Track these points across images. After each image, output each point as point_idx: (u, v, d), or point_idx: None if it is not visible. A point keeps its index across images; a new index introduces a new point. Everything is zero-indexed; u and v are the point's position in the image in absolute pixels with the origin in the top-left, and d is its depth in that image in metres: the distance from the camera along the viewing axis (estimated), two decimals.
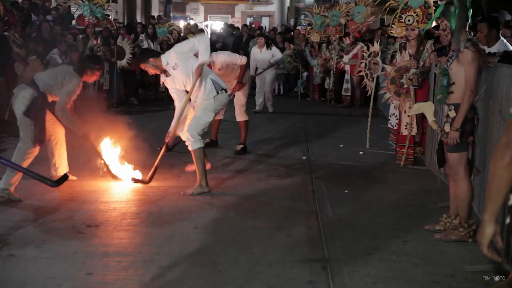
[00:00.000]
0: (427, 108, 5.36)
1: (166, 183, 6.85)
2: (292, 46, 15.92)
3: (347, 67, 14.02)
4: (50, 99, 6.36)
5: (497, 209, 2.30)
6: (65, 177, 5.82)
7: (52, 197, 6.18)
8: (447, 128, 4.90)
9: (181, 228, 5.28)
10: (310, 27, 15.66)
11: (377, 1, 10.82)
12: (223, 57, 8.32)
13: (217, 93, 6.47)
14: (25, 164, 6.05)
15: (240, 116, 8.77)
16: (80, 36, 12.61)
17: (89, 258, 4.53)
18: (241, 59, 8.43)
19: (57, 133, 6.62)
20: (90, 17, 12.55)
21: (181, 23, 24.84)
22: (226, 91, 6.62)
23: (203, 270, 4.35)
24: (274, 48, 13.33)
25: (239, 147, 8.70)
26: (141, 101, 14.50)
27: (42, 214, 5.59)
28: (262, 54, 13.01)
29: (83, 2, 12.77)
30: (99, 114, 7.97)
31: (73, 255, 4.59)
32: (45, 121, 6.28)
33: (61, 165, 6.71)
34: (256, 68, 12.92)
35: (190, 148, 6.42)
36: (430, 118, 5.26)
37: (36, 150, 6.18)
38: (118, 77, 13.19)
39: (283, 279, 4.20)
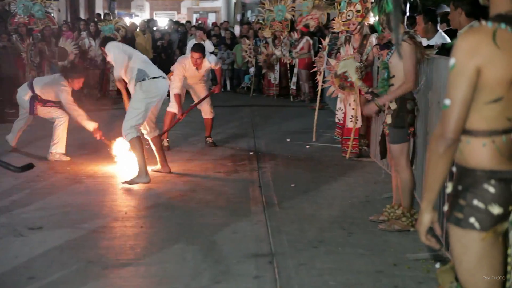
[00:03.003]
0: (350, 65, 5.56)
1: (113, 181, 6.75)
2: (247, 41, 15.86)
3: (296, 61, 14.09)
4: (44, 97, 8.00)
5: (434, 198, 2.35)
6: (30, 166, 5.96)
7: None
8: (388, 120, 4.98)
9: (127, 228, 5.22)
10: (263, 22, 15.61)
11: None
12: (211, 60, 8.56)
13: (143, 80, 6.70)
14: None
15: (209, 114, 8.84)
16: (14, 36, 12.24)
17: (31, 261, 4.42)
18: (216, 63, 8.66)
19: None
20: (21, 16, 12.19)
21: (127, 20, 24.51)
22: (162, 77, 6.85)
23: (149, 269, 4.32)
24: (207, 42, 13.51)
25: (211, 139, 8.91)
26: (85, 100, 14.27)
27: None
28: None
29: None
30: None
31: (14, 259, 4.47)
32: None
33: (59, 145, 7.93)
34: None
35: (126, 140, 6.70)
36: (354, 76, 5.42)
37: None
38: None
39: (229, 275, 4.20)
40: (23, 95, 8.16)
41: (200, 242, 4.85)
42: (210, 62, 8.50)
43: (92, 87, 14.99)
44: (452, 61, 2.22)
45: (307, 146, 8.76)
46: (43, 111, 8.11)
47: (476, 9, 4.78)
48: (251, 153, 8.35)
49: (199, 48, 8.42)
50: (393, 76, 4.98)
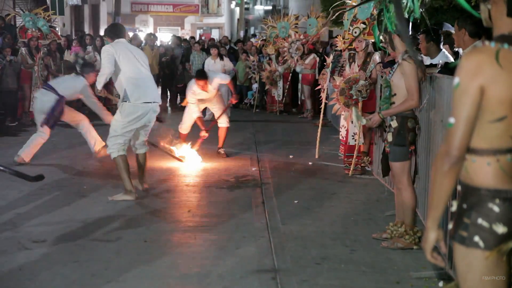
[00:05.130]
0: (356, 116, 5.85)
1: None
2: (251, 57, 15.95)
3: (299, 77, 14.16)
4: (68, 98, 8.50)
5: (439, 216, 2.37)
6: (41, 176, 5.95)
7: None
8: (389, 138, 5.02)
9: (130, 242, 5.23)
10: (265, 40, 15.73)
11: (330, 15, 10.98)
12: (217, 80, 9.10)
13: (124, 101, 6.52)
14: (37, 147, 8.37)
15: (226, 123, 9.32)
16: (23, 49, 12.34)
17: (35, 274, 4.44)
18: (226, 79, 9.56)
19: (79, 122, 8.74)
20: (33, 30, 12.31)
21: (131, 35, 24.63)
22: (145, 102, 6.54)
23: (152, 283, 4.33)
24: (226, 60, 13.87)
25: (223, 151, 9.30)
26: (90, 113, 14.36)
27: None
28: (215, 65, 13.45)
29: (23, 12, 12.50)
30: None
31: (18, 271, 4.50)
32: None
33: (96, 141, 8.62)
34: None
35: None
36: (363, 121, 5.53)
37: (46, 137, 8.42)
38: None
39: None
40: (46, 101, 8.32)
41: (204, 257, 4.86)
42: (217, 80, 9.05)
43: (97, 99, 15.06)
44: (456, 80, 2.26)
45: (310, 163, 8.78)
46: (69, 114, 8.61)
47: (480, 30, 4.83)
48: (254, 169, 8.37)
49: (201, 76, 8.90)
50: (395, 94, 5.03)
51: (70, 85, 8.60)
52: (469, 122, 2.23)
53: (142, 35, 24.74)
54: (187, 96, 9.07)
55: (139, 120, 6.58)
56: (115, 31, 6.84)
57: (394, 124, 4.98)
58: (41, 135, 8.37)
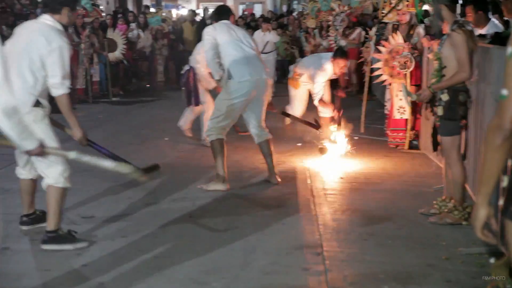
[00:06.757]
0: (405, 92, 5.85)
1: (162, 175, 6.80)
2: (288, 32, 15.89)
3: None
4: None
5: (490, 192, 2.28)
6: (155, 167, 5.55)
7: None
8: (439, 111, 4.89)
9: (176, 218, 5.27)
10: (306, 12, 15.66)
11: None
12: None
13: (229, 79, 6.13)
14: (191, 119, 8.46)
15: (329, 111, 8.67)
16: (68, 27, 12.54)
17: (83, 249, 4.51)
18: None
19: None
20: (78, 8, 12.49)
21: (173, 12, 24.71)
22: (250, 80, 6.12)
23: (198, 258, 4.34)
24: (273, 32, 14.53)
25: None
26: (134, 91, 14.55)
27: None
28: (264, 37, 14.18)
29: None
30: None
31: None
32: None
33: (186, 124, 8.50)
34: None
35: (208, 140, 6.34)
36: (413, 97, 5.44)
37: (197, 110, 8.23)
38: (103, 68, 13.27)
39: (278, 266, 4.20)
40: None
41: (249, 233, 4.86)
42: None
43: (141, 78, 15.27)
44: (509, 49, 2.15)
45: (356, 138, 8.67)
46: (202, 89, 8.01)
47: None
48: (298, 144, 8.31)
49: (344, 54, 8.27)
50: (445, 66, 4.89)
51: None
52: None
53: (184, 12, 24.84)
54: (320, 77, 8.22)
55: (246, 96, 6.15)
56: (217, 13, 6.58)
57: (445, 97, 4.84)
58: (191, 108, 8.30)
